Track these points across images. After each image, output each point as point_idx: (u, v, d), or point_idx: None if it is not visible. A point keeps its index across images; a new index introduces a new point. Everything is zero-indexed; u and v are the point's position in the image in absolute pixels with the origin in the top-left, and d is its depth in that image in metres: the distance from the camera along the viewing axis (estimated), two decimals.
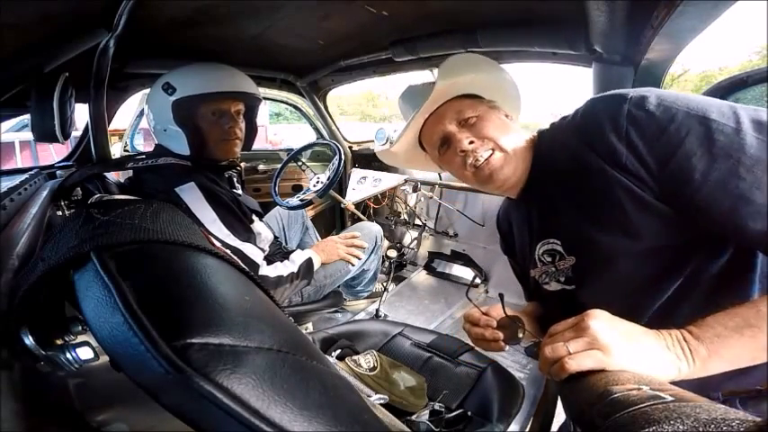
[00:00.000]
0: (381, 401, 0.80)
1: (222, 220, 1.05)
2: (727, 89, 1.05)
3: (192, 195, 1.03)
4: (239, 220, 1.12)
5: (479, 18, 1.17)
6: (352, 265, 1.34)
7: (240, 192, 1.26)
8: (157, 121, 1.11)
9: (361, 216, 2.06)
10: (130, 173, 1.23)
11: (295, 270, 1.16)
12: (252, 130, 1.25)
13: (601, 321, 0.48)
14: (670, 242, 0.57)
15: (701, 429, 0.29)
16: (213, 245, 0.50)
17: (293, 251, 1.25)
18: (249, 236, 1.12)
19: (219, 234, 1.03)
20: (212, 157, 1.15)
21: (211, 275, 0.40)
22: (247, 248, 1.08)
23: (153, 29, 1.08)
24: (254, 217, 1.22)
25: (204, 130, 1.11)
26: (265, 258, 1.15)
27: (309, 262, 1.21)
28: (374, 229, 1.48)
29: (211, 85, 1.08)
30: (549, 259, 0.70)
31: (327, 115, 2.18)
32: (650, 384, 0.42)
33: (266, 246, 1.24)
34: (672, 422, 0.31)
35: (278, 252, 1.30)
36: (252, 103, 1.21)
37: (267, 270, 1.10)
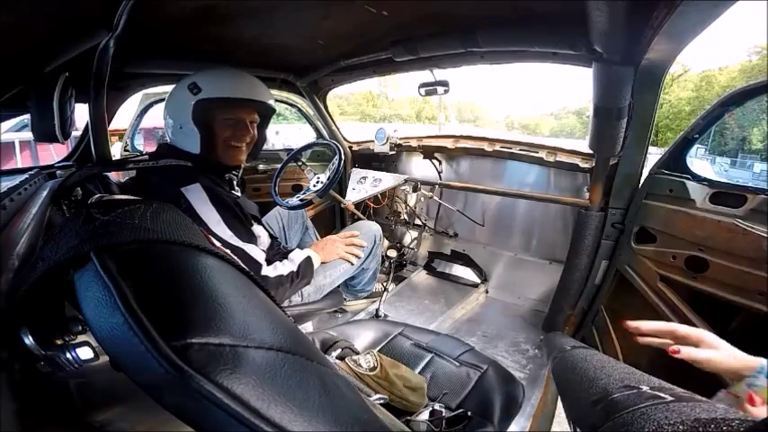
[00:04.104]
0: (381, 401, 0.80)
1: (225, 221, 1.06)
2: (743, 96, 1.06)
3: (196, 196, 1.05)
4: (241, 222, 1.13)
5: (479, 18, 1.17)
6: (352, 264, 1.34)
7: (239, 194, 1.28)
8: (175, 118, 1.14)
9: (361, 216, 2.06)
10: (131, 173, 1.25)
11: (294, 269, 1.16)
12: (261, 139, 1.29)
13: None
14: None
15: (701, 429, 0.29)
16: (214, 245, 0.50)
17: (292, 250, 1.25)
18: (251, 237, 1.14)
19: (223, 235, 1.05)
20: (219, 160, 1.17)
21: (211, 275, 0.39)
22: (250, 249, 1.09)
23: (153, 29, 1.08)
24: (252, 220, 1.23)
25: (218, 133, 1.15)
26: (265, 259, 1.16)
27: (308, 260, 1.21)
28: (373, 228, 1.48)
29: (235, 91, 1.12)
30: None
31: (327, 115, 2.18)
32: (650, 384, 0.42)
33: (265, 248, 1.25)
34: (672, 422, 0.31)
35: (277, 253, 1.30)
36: (267, 113, 1.26)
37: (267, 270, 1.11)
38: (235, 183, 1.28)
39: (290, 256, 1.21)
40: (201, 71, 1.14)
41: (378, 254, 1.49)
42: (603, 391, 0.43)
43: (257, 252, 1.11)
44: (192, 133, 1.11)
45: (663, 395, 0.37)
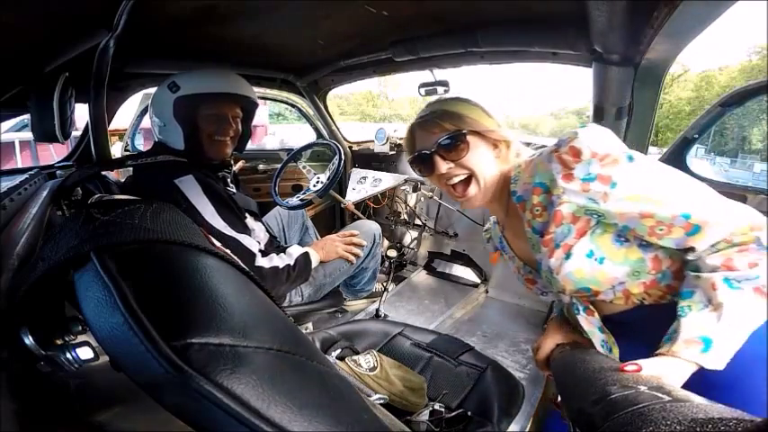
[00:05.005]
0: (381, 401, 0.80)
1: (219, 212, 1.09)
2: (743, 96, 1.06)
3: (190, 187, 1.08)
4: (235, 215, 1.15)
5: (479, 18, 1.17)
6: (351, 263, 1.35)
7: (234, 190, 1.29)
8: (158, 116, 1.17)
9: (361, 216, 2.06)
10: (131, 173, 1.26)
11: (291, 263, 1.17)
12: (246, 133, 1.30)
13: None
14: None
15: (698, 429, 0.29)
16: (213, 244, 0.50)
17: (290, 245, 1.25)
18: (245, 229, 1.16)
19: (217, 225, 1.07)
20: (205, 155, 1.19)
21: (211, 275, 0.39)
22: (244, 239, 1.11)
23: (153, 29, 1.08)
24: (247, 215, 1.24)
25: (200, 128, 1.17)
26: (261, 251, 1.17)
27: (306, 256, 1.21)
28: (372, 227, 1.48)
29: (211, 87, 1.14)
30: None
31: (327, 115, 2.18)
32: (648, 384, 0.42)
33: (262, 244, 1.25)
34: (669, 422, 0.31)
35: (276, 248, 1.31)
36: (249, 107, 1.26)
37: (262, 261, 1.12)
38: (228, 180, 1.29)
39: (288, 250, 1.21)
40: (183, 71, 1.17)
41: (377, 253, 1.49)
42: (602, 392, 0.43)
43: (251, 242, 1.12)
44: (175, 130, 1.14)
45: (660, 395, 0.37)
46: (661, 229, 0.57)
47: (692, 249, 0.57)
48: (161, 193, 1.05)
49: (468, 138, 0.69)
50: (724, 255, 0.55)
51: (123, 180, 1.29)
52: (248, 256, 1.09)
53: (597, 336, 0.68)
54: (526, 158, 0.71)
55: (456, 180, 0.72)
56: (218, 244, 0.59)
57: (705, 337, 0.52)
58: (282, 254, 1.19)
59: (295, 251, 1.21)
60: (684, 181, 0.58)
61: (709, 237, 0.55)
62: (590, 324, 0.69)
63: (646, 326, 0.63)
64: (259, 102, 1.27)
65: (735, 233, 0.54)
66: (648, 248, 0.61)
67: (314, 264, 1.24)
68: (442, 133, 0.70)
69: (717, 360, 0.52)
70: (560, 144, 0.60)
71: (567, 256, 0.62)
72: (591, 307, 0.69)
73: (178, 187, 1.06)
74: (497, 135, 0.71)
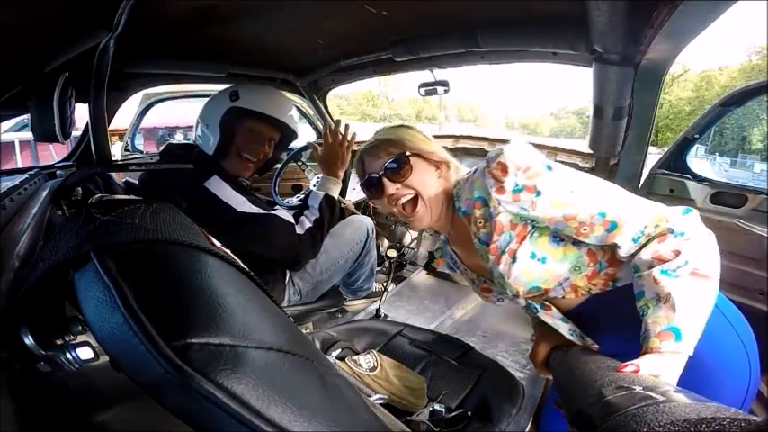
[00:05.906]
0: (381, 401, 0.80)
1: (250, 201, 1.14)
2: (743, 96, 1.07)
3: (218, 186, 1.13)
4: (260, 199, 1.21)
5: (479, 18, 1.17)
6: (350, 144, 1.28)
7: (248, 182, 1.34)
8: (205, 119, 1.22)
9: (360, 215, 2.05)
10: (130, 174, 1.27)
11: (318, 215, 1.20)
12: (273, 159, 1.36)
13: None
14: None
15: (691, 429, 0.30)
16: (213, 244, 0.50)
17: (308, 197, 1.26)
18: (273, 209, 1.21)
19: (251, 210, 1.12)
20: (226, 167, 1.23)
21: (211, 275, 0.40)
22: (280, 212, 1.16)
23: (153, 29, 1.08)
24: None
25: (236, 141, 1.21)
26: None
27: (327, 199, 1.22)
28: (365, 221, 1.47)
29: (268, 108, 1.20)
30: None
31: (327, 115, 2.18)
32: (643, 384, 0.42)
33: None
34: (662, 423, 0.31)
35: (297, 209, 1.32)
36: (287, 135, 1.32)
37: (298, 230, 1.16)
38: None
39: (309, 203, 1.23)
40: (243, 83, 1.25)
41: (372, 248, 1.48)
42: (598, 394, 0.43)
43: (286, 215, 1.16)
44: (212, 135, 1.19)
45: (654, 395, 0.37)
46: (585, 229, 0.62)
47: (616, 245, 0.61)
48: (190, 195, 1.09)
49: (411, 159, 0.75)
50: (650, 249, 0.58)
51: (123, 181, 1.29)
52: (289, 226, 1.14)
53: (562, 326, 0.71)
54: (464, 176, 0.76)
55: (404, 200, 0.76)
56: (218, 244, 0.59)
57: (672, 327, 0.54)
58: (306, 211, 1.22)
59: (314, 201, 1.22)
60: (598, 184, 0.64)
61: (626, 231, 0.59)
62: (551, 317, 0.72)
63: (602, 313, 0.68)
64: (297, 134, 1.34)
65: (648, 225, 0.59)
66: (582, 244, 0.66)
67: (336, 193, 1.25)
68: (387, 157, 0.76)
69: (690, 345, 0.54)
70: (490, 161, 0.66)
71: (514, 260, 0.67)
72: (547, 303, 0.73)
73: (207, 189, 1.12)
74: (437, 156, 0.77)
